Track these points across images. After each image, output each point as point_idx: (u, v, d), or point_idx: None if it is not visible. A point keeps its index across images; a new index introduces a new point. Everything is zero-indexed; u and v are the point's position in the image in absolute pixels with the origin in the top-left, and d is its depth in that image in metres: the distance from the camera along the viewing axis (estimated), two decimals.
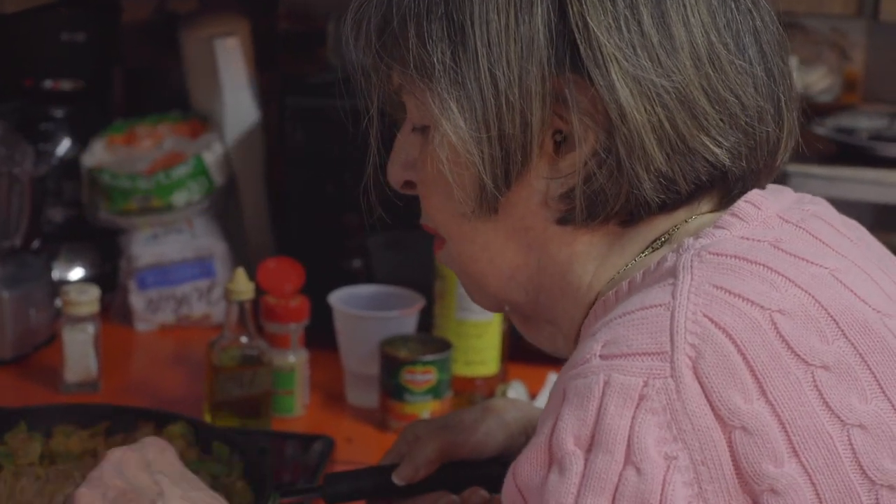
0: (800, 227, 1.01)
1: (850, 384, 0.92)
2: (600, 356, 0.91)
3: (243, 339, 1.71)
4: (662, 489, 0.88)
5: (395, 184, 1.10)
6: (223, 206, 2.13)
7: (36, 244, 2.01)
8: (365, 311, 1.82)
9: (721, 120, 0.99)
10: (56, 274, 2.08)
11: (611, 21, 0.97)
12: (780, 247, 0.98)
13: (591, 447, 0.89)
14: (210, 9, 2.25)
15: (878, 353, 0.94)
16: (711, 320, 0.91)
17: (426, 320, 1.84)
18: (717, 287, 0.93)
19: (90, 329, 1.82)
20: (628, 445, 0.88)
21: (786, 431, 0.89)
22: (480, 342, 1.80)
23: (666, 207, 1.01)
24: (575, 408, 0.90)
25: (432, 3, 1.01)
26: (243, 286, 1.70)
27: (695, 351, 0.90)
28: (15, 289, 1.92)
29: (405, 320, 1.80)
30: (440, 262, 1.11)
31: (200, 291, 2.07)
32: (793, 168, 1.82)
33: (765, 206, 1.02)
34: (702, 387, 0.89)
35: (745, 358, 0.90)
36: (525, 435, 1.29)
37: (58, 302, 1.90)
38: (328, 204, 1.97)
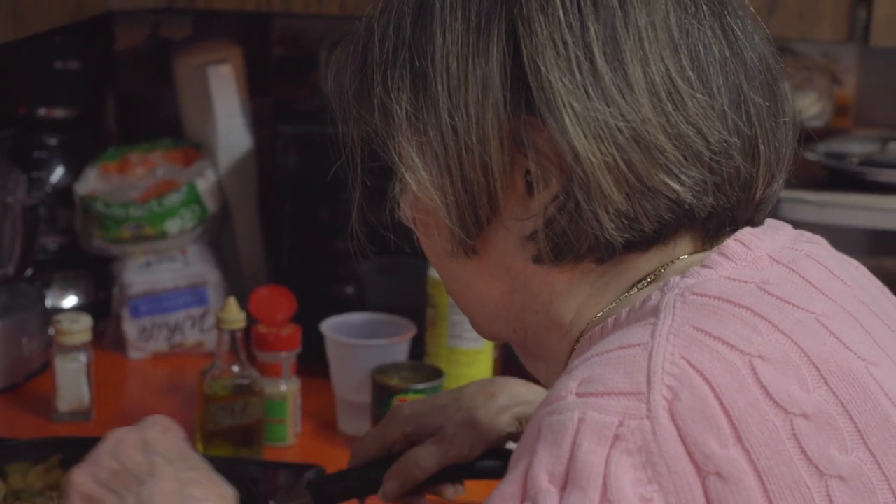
0: (790, 269, 1.00)
1: (830, 434, 0.90)
2: (576, 394, 0.90)
3: (235, 369, 1.71)
4: None
5: (405, 222, 1.10)
6: (216, 234, 2.13)
7: (29, 272, 2.01)
8: (356, 339, 1.82)
9: (683, 157, 0.97)
10: (49, 302, 2.07)
11: (562, 63, 0.97)
12: (766, 289, 0.96)
13: (565, 485, 0.87)
14: (203, 36, 2.25)
15: (861, 402, 0.92)
16: (689, 363, 0.89)
17: (418, 348, 1.84)
18: (698, 329, 0.92)
19: (82, 358, 1.82)
20: (604, 485, 0.86)
21: (761, 480, 0.87)
22: (472, 370, 1.80)
23: (634, 247, 1.00)
24: (549, 444, 0.89)
25: (398, 50, 1.02)
26: (234, 315, 1.70)
27: (671, 393, 0.88)
28: (8, 317, 1.92)
29: (397, 348, 1.80)
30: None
31: (194, 319, 2.07)
32: (784, 194, 1.82)
33: (755, 245, 1.00)
34: (677, 429, 0.87)
35: (721, 403, 0.88)
36: (518, 421, 1.31)
37: (51, 330, 1.90)
38: (321, 230, 1.97)
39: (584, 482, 0.87)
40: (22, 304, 1.96)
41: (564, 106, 0.96)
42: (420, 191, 1.01)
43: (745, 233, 1.01)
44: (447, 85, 0.99)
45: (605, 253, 1.00)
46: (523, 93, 0.98)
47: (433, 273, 1.81)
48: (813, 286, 0.99)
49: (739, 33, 1.02)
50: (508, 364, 1.84)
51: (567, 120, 0.96)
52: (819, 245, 1.06)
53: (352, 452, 1.38)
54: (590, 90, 0.96)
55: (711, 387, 0.89)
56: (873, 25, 1.81)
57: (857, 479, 0.90)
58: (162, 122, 2.23)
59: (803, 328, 0.94)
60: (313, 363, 1.84)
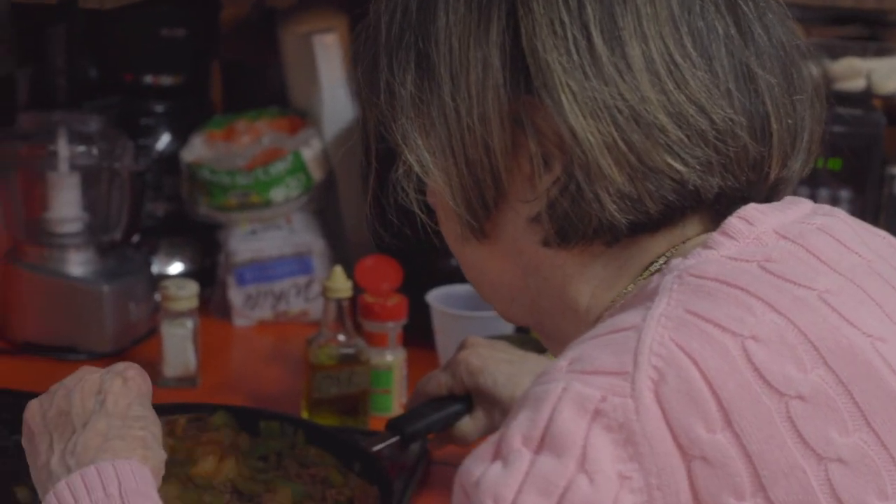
0: (796, 244, 0.96)
1: (829, 415, 0.87)
2: (566, 370, 0.89)
3: (341, 338, 1.71)
4: None
5: (406, 204, 1.08)
6: (322, 203, 2.13)
7: (136, 238, 2.03)
8: (463, 310, 1.81)
9: (686, 136, 0.95)
10: (155, 268, 2.09)
11: (559, 43, 0.95)
12: (766, 268, 0.93)
13: (540, 448, 0.86)
14: (309, 4, 2.25)
15: (864, 381, 0.89)
16: (678, 345, 0.87)
17: None
18: (690, 312, 0.89)
19: (189, 324, 1.83)
20: (583, 454, 0.85)
21: (752, 465, 0.85)
22: None
23: (641, 229, 0.98)
24: (528, 409, 0.88)
25: (403, 32, 1.01)
26: (341, 284, 1.70)
27: (657, 374, 0.86)
28: (115, 282, 1.93)
29: (503, 320, 1.79)
30: None
31: (299, 288, 2.07)
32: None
33: (760, 221, 0.97)
34: (662, 411, 0.85)
35: (710, 386, 0.86)
36: None
37: (157, 296, 1.91)
38: (420, 178, 1.96)
39: (561, 449, 0.85)
40: (129, 270, 1.97)
41: (561, 86, 0.94)
42: (423, 173, 1.00)
43: (750, 209, 0.98)
44: (449, 66, 0.98)
45: (611, 235, 0.98)
46: (522, 73, 0.96)
47: None
48: (820, 260, 0.96)
49: (747, 10, 1.00)
50: None
51: (564, 100, 0.94)
52: (835, 217, 1.02)
53: (414, 391, 1.53)
54: (587, 70, 0.94)
55: (700, 369, 0.86)
56: None
57: (860, 461, 0.87)
58: (267, 90, 2.23)
59: (802, 306, 0.91)
60: (419, 334, 1.84)
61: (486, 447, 0.89)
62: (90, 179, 1.94)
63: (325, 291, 1.71)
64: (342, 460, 1.44)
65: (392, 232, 1.75)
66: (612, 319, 0.93)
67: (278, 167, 2.05)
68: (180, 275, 2.10)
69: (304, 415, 1.71)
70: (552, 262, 1.02)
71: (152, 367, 1.84)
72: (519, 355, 1.51)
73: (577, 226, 0.98)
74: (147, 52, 2.15)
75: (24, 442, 1.20)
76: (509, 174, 0.99)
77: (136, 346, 1.96)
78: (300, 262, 2.07)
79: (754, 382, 0.86)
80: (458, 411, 1.50)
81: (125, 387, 1.20)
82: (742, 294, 0.90)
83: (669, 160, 0.95)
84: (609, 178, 0.95)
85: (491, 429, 1.47)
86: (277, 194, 2.06)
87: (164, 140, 2.16)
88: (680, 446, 0.85)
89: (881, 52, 2.03)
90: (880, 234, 1.04)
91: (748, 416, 0.85)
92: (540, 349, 1.70)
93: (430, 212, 1.08)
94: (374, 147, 1.08)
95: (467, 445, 1.50)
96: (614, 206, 0.96)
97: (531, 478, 0.85)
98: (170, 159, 2.14)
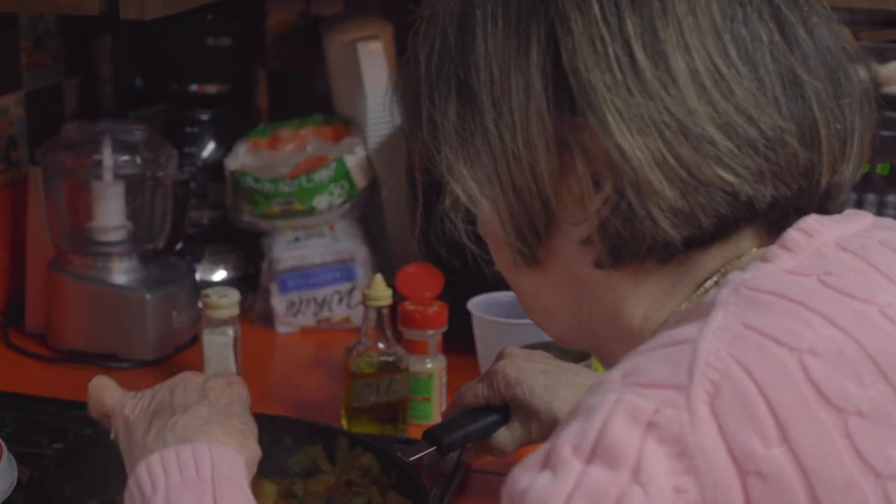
0: (857, 256, 0.95)
1: (889, 433, 0.86)
2: (619, 381, 0.88)
3: (381, 345, 1.71)
4: None
5: (455, 236, 1.09)
6: (365, 210, 2.14)
7: (179, 246, 2.03)
8: (504, 318, 1.80)
9: (736, 146, 0.94)
10: (199, 275, 2.10)
11: (601, 61, 0.94)
12: (825, 281, 0.92)
13: (591, 458, 0.85)
14: (354, 12, 2.25)
15: None
16: (734, 359, 0.86)
17: None
18: (747, 326, 0.88)
19: (230, 332, 1.83)
20: (636, 466, 0.84)
21: (808, 482, 0.84)
22: None
23: (694, 244, 0.97)
24: (580, 419, 0.87)
25: (443, 62, 1.01)
26: (381, 292, 1.70)
27: (713, 387, 0.85)
28: (158, 290, 1.94)
29: None
30: None
31: (341, 295, 2.07)
32: None
33: (820, 233, 0.96)
34: (718, 425, 0.84)
35: (766, 400, 0.85)
36: None
37: (199, 304, 1.92)
38: (468, 208, 1.96)
39: (613, 460, 0.84)
40: (172, 278, 1.98)
41: (606, 104, 0.94)
42: (471, 203, 1.00)
43: (810, 220, 0.97)
44: (490, 93, 0.98)
45: (666, 252, 0.97)
46: (565, 95, 0.96)
47: None
48: (881, 274, 0.94)
49: (791, 15, 0.98)
50: None
51: (610, 118, 0.94)
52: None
53: (453, 401, 1.52)
54: (631, 86, 0.94)
55: (756, 383, 0.85)
56: None
57: None
58: (312, 98, 2.25)
59: (862, 320, 0.90)
60: (460, 342, 1.83)
61: (535, 456, 0.89)
62: (134, 188, 1.95)
63: (365, 299, 1.71)
64: (380, 468, 1.44)
65: (442, 266, 1.76)
66: (667, 333, 0.92)
67: (322, 175, 2.06)
68: (224, 282, 2.12)
69: (344, 423, 1.71)
70: (605, 283, 1.01)
71: None
72: (556, 365, 1.51)
73: (630, 244, 0.97)
74: (192, 60, 2.17)
75: (119, 435, 1.22)
76: (558, 198, 0.98)
77: (179, 353, 1.97)
78: (343, 270, 2.07)
79: (811, 398, 0.85)
80: (496, 422, 1.49)
81: (229, 388, 1.23)
82: (800, 308, 0.90)
83: (720, 172, 0.94)
84: (660, 193, 0.94)
85: (528, 440, 1.47)
86: (321, 202, 2.06)
87: (208, 148, 2.17)
88: (735, 461, 0.84)
89: None
90: None
91: (805, 432, 0.85)
92: (580, 357, 1.69)
93: (479, 242, 1.08)
94: (420, 180, 1.08)
95: (504, 456, 1.49)
96: (667, 223, 0.95)
97: (581, 488, 0.85)
98: (214, 167, 2.15)
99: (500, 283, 1.92)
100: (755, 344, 0.87)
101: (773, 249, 0.95)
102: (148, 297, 1.92)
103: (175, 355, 1.96)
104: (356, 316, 2.06)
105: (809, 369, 0.86)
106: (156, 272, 1.97)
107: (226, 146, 2.15)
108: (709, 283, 0.98)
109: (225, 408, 1.20)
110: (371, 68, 2.11)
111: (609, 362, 1.06)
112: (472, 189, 1.00)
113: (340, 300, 2.07)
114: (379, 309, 1.70)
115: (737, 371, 0.86)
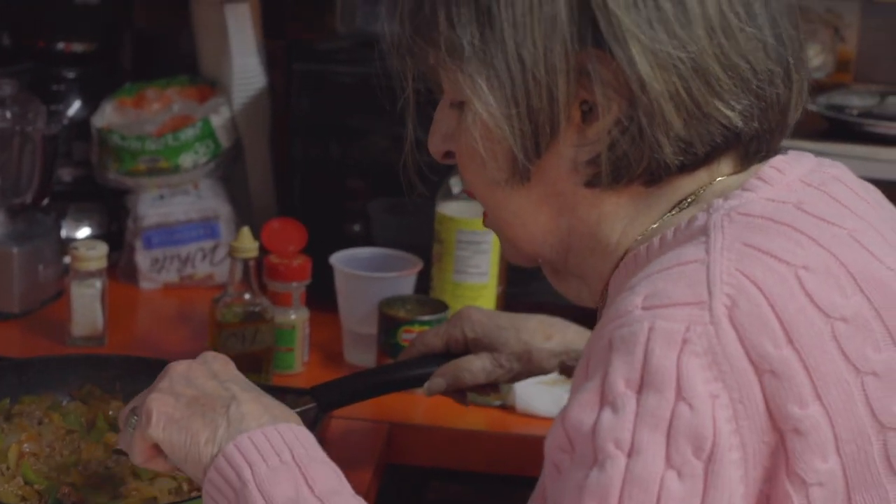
0: (821, 190, 1.08)
1: (866, 336, 0.99)
2: (642, 307, 0.98)
3: (246, 297, 1.76)
4: (714, 423, 0.94)
5: (435, 155, 1.17)
6: (229, 169, 2.18)
7: (46, 202, 2.05)
8: (365, 271, 1.87)
9: (734, 85, 1.05)
10: (64, 232, 2.12)
11: None
12: (802, 208, 1.04)
13: (641, 388, 0.96)
14: None
15: (892, 308, 1.01)
16: (744, 274, 0.98)
17: (424, 282, 1.89)
18: (747, 245, 1.00)
19: (98, 284, 1.86)
20: (678, 384, 0.95)
21: (810, 377, 0.96)
22: (476, 304, 1.84)
23: (686, 169, 1.08)
24: (623, 354, 0.97)
25: None
26: (248, 244, 1.75)
27: (730, 301, 0.97)
28: (24, 245, 1.96)
29: (404, 281, 1.85)
30: (486, 227, 1.18)
31: (205, 252, 2.11)
32: (786, 143, 1.86)
33: (788, 170, 1.09)
34: (737, 333, 0.96)
35: (774, 309, 0.97)
36: (563, 366, 1.47)
37: (66, 259, 1.94)
38: (332, 168, 2.01)
39: (660, 384, 0.95)
40: (38, 233, 2.00)
41: (631, 39, 1.03)
42: (489, 119, 1.07)
43: (778, 160, 1.10)
44: (513, 21, 1.05)
45: (658, 175, 1.08)
46: (590, 27, 1.04)
47: (441, 209, 1.86)
48: (842, 205, 1.07)
49: None
50: (510, 299, 1.90)
51: (634, 52, 1.03)
52: (841, 169, 1.14)
53: (412, 343, 1.53)
54: (654, 23, 1.03)
55: (765, 295, 0.97)
56: None
57: (889, 374, 1.00)
58: (178, 58, 2.27)
59: (839, 242, 1.02)
60: (322, 296, 1.89)
61: (588, 395, 0.98)
62: (2, 142, 1.96)
63: (232, 251, 1.75)
64: None
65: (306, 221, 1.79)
66: (671, 253, 1.03)
67: (188, 133, 2.09)
68: (88, 238, 2.13)
69: None
70: (590, 202, 1.11)
71: (60, 328, 1.89)
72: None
73: (631, 166, 1.07)
74: (60, 18, 2.18)
75: (162, 434, 1.16)
76: (568, 121, 1.07)
77: (44, 307, 1.99)
78: (207, 227, 2.11)
79: (808, 306, 0.98)
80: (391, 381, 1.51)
81: (229, 366, 1.24)
82: (789, 230, 1.02)
83: (721, 107, 1.05)
84: (670, 123, 1.05)
85: (499, 370, 1.48)
86: (186, 160, 2.10)
87: (74, 106, 2.18)
88: (753, 363, 0.96)
89: None
90: (871, 187, 1.15)
91: (805, 335, 0.97)
92: (435, 308, 1.76)
93: (422, 178, 1.18)
94: (412, 101, 1.15)
95: (474, 387, 1.50)
96: (669, 149, 1.06)
97: (641, 417, 0.95)
98: (80, 125, 2.17)
99: (361, 240, 1.99)
100: (758, 260, 0.99)
101: (752, 181, 1.07)
102: (15, 250, 1.94)
103: (41, 309, 1.98)
104: (219, 273, 2.10)
105: (804, 282, 0.99)
106: (22, 227, 1.99)
107: (92, 104, 2.17)
108: (684, 205, 1.09)
109: (249, 386, 1.20)
110: (237, 30, 2.15)
111: (574, 272, 1.16)
112: (492, 108, 1.07)
113: (204, 257, 2.11)
114: (245, 261, 1.75)
115: (748, 285, 0.97)
